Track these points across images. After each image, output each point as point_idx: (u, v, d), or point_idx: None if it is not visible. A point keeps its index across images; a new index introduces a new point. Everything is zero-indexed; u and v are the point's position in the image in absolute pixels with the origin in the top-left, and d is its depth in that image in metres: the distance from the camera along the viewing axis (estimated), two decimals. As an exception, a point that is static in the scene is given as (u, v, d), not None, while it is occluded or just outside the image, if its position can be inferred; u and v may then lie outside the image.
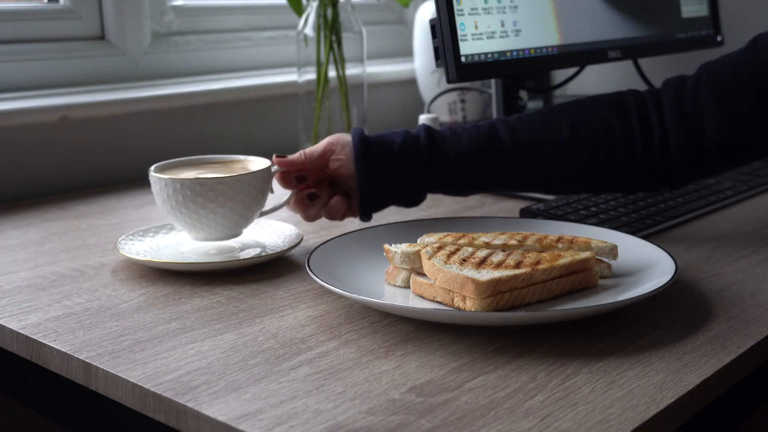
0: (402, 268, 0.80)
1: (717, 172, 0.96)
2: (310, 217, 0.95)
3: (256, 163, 0.95)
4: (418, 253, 0.78)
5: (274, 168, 0.93)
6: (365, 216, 0.95)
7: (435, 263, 0.75)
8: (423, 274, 0.78)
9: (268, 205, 0.95)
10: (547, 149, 0.93)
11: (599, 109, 0.95)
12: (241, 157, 0.98)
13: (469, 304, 0.72)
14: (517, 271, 0.73)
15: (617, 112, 0.94)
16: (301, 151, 0.94)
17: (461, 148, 0.92)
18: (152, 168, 0.91)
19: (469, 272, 0.73)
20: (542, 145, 0.93)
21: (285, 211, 0.96)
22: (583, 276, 0.78)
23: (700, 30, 1.42)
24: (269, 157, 0.95)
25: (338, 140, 0.94)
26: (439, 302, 0.75)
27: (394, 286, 0.80)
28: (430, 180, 0.93)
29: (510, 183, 0.95)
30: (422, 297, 0.77)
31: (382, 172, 0.92)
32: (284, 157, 0.93)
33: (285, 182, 0.94)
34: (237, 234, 0.93)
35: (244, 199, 0.89)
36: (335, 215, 0.95)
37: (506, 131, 0.93)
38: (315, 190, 0.94)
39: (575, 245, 0.81)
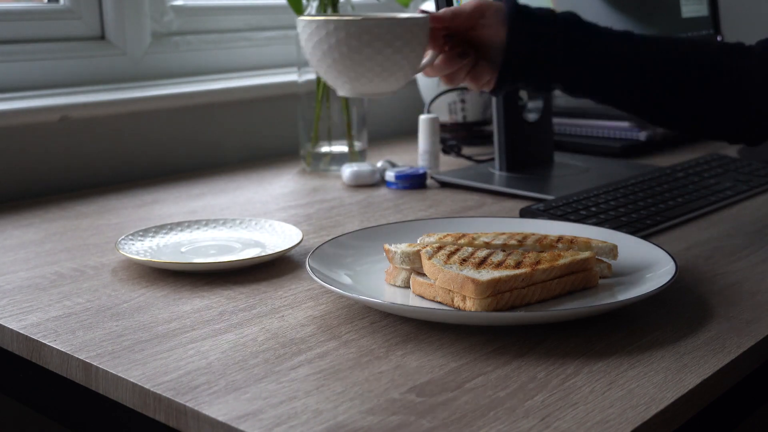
0: (402, 268, 0.80)
1: None
2: (453, 79, 0.92)
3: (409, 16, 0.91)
4: (418, 253, 0.78)
5: None
6: (501, 87, 0.93)
7: (435, 263, 0.75)
8: (423, 274, 0.78)
9: None
10: (671, 73, 0.94)
11: (710, 50, 0.96)
12: (385, 13, 0.93)
13: (469, 304, 0.72)
14: (517, 271, 0.73)
15: (724, 59, 0.95)
16: (447, 9, 0.91)
17: (605, 39, 0.93)
18: (302, 17, 0.85)
19: (469, 272, 0.73)
20: (667, 73, 0.94)
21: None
22: (583, 276, 0.78)
23: (700, 30, 1.42)
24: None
25: (488, 5, 0.92)
26: (439, 302, 0.75)
27: (394, 286, 0.80)
28: (571, 62, 0.92)
29: (635, 92, 0.95)
30: (422, 297, 0.77)
31: (532, 42, 0.91)
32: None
33: (432, 40, 0.91)
34: (397, 88, 0.88)
35: (417, 47, 0.85)
36: (478, 81, 0.93)
37: (642, 42, 0.94)
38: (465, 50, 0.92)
39: (575, 245, 0.81)
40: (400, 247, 0.80)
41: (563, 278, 0.77)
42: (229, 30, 1.53)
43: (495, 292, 0.72)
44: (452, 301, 0.74)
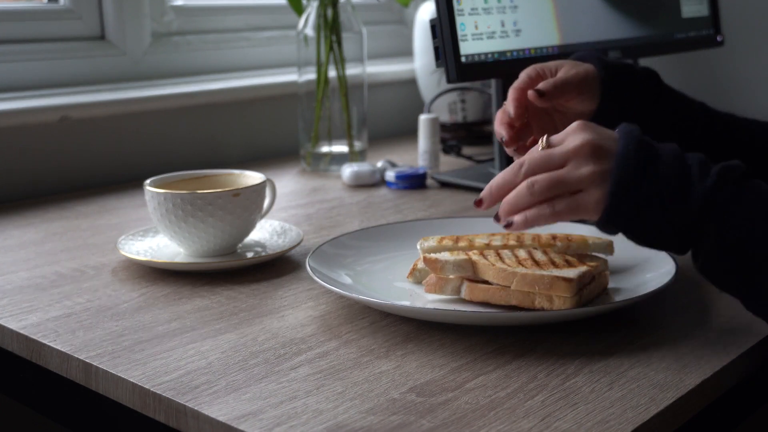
0: (449, 278, 0.76)
1: None
2: None
3: (251, 178, 0.94)
4: (469, 261, 0.75)
5: None
6: None
7: (507, 268, 0.72)
8: (475, 281, 0.75)
9: None
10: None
11: None
12: (236, 171, 0.97)
13: (559, 303, 0.70)
14: (585, 267, 0.73)
15: None
16: (551, 82, 0.81)
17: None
18: (147, 182, 0.90)
19: (554, 271, 0.72)
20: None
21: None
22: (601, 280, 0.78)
23: (700, 30, 1.42)
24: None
25: (588, 72, 0.84)
26: (514, 305, 0.72)
27: (443, 295, 0.77)
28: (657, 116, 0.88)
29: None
30: (486, 303, 0.74)
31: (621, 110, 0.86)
32: None
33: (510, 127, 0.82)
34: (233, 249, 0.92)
35: (243, 213, 0.89)
36: None
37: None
38: None
39: (572, 242, 0.81)
40: (448, 257, 0.75)
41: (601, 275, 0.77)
42: (229, 30, 1.53)
43: (579, 288, 0.71)
44: (533, 303, 0.71)
